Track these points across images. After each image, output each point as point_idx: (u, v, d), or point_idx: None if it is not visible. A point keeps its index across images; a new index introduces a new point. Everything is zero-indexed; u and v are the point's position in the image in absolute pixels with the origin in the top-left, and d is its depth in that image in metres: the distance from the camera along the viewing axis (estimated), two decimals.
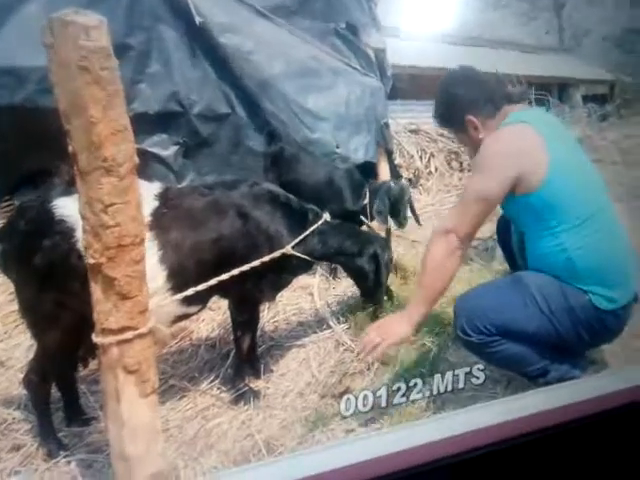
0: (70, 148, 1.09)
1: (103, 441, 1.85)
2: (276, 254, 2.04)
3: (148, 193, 1.87)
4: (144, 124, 3.48)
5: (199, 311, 2.11)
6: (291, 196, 2.26)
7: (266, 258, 2.00)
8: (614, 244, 1.78)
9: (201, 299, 1.99)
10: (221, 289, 1.95)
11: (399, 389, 2.11)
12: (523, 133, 1.74)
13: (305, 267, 2.33)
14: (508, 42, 10.99)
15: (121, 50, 3.25)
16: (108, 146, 1.09)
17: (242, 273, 1.91)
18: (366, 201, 3.29)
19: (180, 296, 1.75)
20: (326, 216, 2.28)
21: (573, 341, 1.78)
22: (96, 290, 1.22)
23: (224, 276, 1.85)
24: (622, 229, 1.83)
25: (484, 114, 1.87)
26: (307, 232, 2.17)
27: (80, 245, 1.52)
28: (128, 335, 1.25)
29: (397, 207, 3.26)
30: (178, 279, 1.85)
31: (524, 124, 1.76)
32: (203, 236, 1.94)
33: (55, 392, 2.01)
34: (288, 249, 2.09)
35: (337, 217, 2.47)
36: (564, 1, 8.07)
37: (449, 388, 1.97)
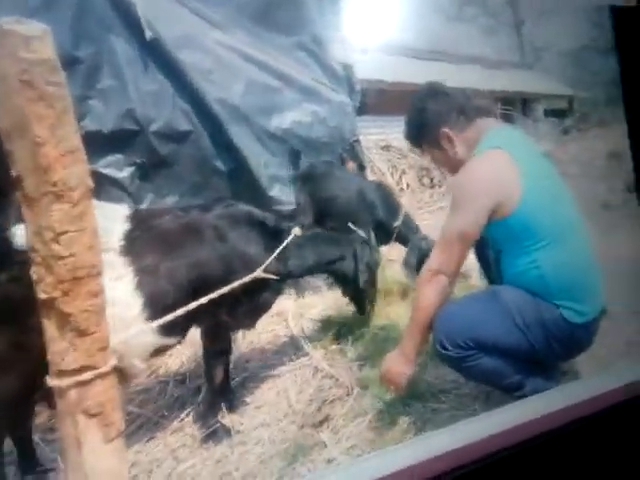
0: (14, 172, 0.98)
1: None
2: (247, 279, 1.95)
3: (117, 215, 1.79)
4: (96, 143, 3.28)
5: (177, 343, 2.01)
6: (267, 214, 2.21)
7: (236, 283, 1.92)
8: (583, 259, 1.85)
9: (180, 329, 1.91)
10: (198, 317, 1.88)
11: (380, 413, 2.04)
12: (496, 161, 1.77)
13: (282, 287, 2.29)
14: (472, 57, 11.24)
15: (69, 63, 3.08)
16: (58, 169, 0.98)
17: (219, 297, 1.82)
18: (398, 223, 3.45)
19: (158, 323, 1.65)
20: (295, 231, 2.22)
21: (547, 354, 1.83)
22: (50, 328, 1.10)
23: (202, 300, 1.76)
24: (590, 243, 1.88)
25: (458, 126, 1.90)
26: (274, 254, 2.10)
27: None
28: (87, 375, 1.13)
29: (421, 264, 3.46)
30: (155, 307, 1.76)
31: (498, 150, 1.78)
32: (179, 260, 1.85)
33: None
34: (259, 273, 2.00)
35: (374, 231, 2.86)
36: (524, 18, 8.38)
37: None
